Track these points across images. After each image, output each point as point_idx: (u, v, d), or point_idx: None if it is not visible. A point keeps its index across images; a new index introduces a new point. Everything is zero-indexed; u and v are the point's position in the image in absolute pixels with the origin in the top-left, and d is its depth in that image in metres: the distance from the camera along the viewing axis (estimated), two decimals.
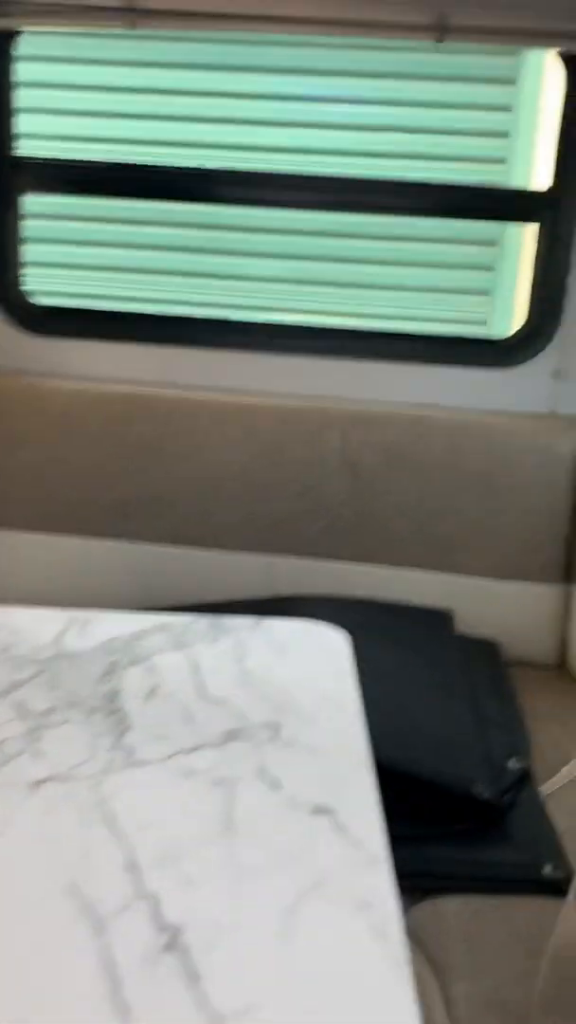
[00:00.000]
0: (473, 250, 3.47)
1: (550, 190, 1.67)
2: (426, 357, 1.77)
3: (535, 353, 1.74)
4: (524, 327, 1.76)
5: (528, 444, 1.64)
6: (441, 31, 1.55)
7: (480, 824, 1.16)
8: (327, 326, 1.84)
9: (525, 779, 1.27)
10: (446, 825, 1.15)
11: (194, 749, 0.77)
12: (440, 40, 1.56)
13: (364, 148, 3.37)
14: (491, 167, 3.46)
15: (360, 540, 1.66)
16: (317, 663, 0.97)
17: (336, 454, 1.66)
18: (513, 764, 1.29)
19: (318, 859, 0.64)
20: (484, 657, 1.59)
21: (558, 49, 1.59)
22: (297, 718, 0.84)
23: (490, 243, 3.45)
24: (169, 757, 0.76)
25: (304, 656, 0.99)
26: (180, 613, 1.58)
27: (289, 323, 1.85)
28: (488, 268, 3.51)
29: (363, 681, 1.31)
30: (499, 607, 1.65)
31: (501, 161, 3.41)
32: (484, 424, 1.65)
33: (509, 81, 3.34)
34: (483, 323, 3.51)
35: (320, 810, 0.70)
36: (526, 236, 1.90)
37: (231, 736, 0.80)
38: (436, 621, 1.62)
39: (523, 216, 1.75)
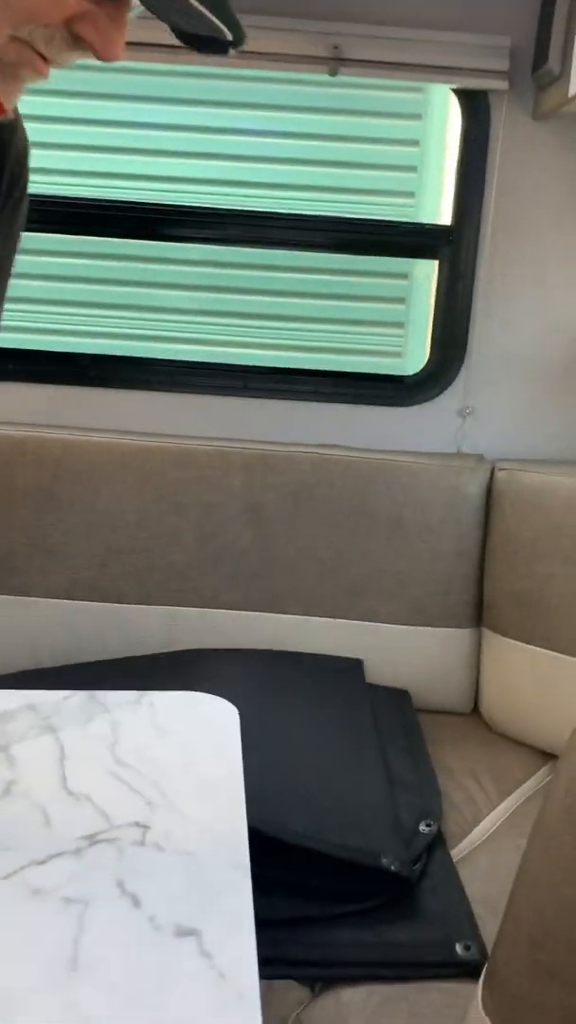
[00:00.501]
0: (386, 283, 3.47)
1: (449, 226, 1.65)
2: (330, 395, 1.71)
3: (440, 391, 1.70)
4: (428, 365, 1.72)
5: (435, 485, 1.59)
6: (335, 63, 1.52)
7: (388, 899, 1.08)
8: (227, 363, 1.78)
9: (436, 843, 1.21)
10: (351, 902, 1.07)
11: (46, 860, 0.67)
12: (334, 73, 1.52)
13: (274, 181, 3.34)
14: (402, 200, 3.48)
15: (265, 588, 1.59)
16: (200, 743, 0.89)
17: (238, 498, 1.58)
18: (424, 828, 1.22)
19: (176, 1001, 0.56)
20: (395, 708, 1.53)
21: (453, 85, 1.57)
22: (170, 813, 0.75)
23: (402, 276, 3.46)
24: (15, 872, 0.66)
25: (186, 735, 0.90)
26: (70, 674, 1.51)
27: (187, 359, 1.77)
28: (401, 301, 3.52)
29: (264, 742, 1.23)
30: (410, 654, 1.59)
31: (411, 195, 3.44)
32: (390, 464, 1.60)
33: (416, 116, 3.38)
34: (399, 355, 3.51)
35: (184, 932, 0.62)
36: (434, 270, 1.90)
37: (92, 840, 0.71)
38: (345, 671, 1.56)
39: (424, 253, 1.72)
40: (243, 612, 1.57)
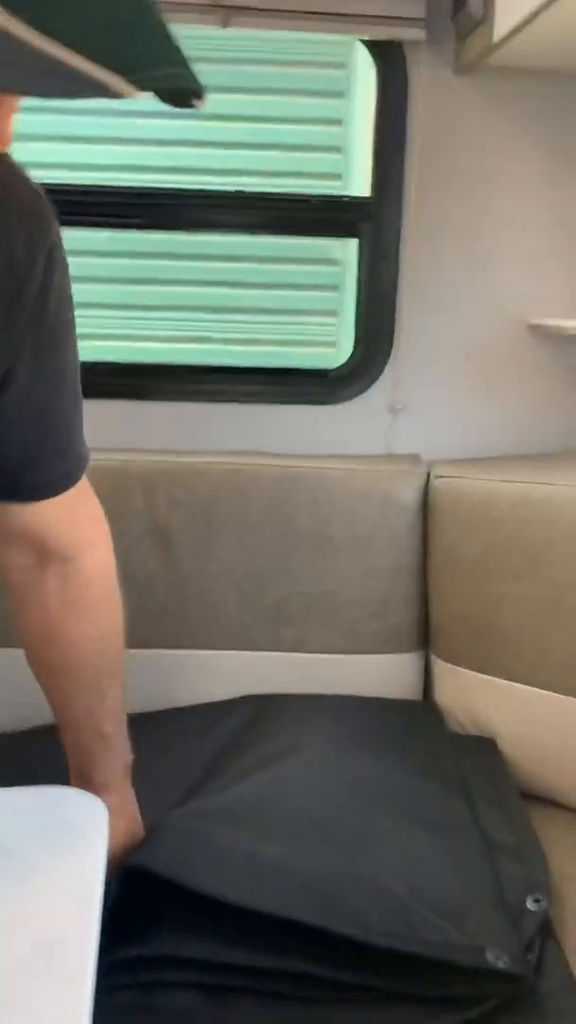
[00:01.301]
0: (315, 269, 3.29)
1: (368, 198, 1.45)
2: (244, 395, 1.51)
3: (367, 386, 1.51)
4: (353, 357, 1.53)
5: (365, 492, 1.40)
6: (225, 12, 1.31)
7: (497, 1003, 0.87)
8: (123, 361, 1.56)
9: (548, 926, 0.99)
10: (447, 1011, 0.86)
11: None
12: (225, 24, 1.32)
13: (196, 165, 3.13)
14: (330, 182, 3.30)
15: (175, 622, 1.38)
16: (52, 859, 0.68)
17: (140, 519, 1.37)
18: (532, 904, 0.99)
19: None
20: (478, 753, 1.31)
21: (361, 36, 1.38)
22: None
23: (333, 262, 3.27)
24: None
25: (38, 846, 0.69)
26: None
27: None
28: (334, 288, 3.33)
29: (327, 811, 1.05)
30: (345, 687, 1.40)
31: (338, 176, 3.26)
32: (314, 471, 1.41)
33: (339, 94, 3.19)
34: (332, 345, 3.33)
35: None
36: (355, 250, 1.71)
37: None
38: (420, 714, 1.39)
39: (342, 230, 1.53)
40: (151, 651, 1.37)
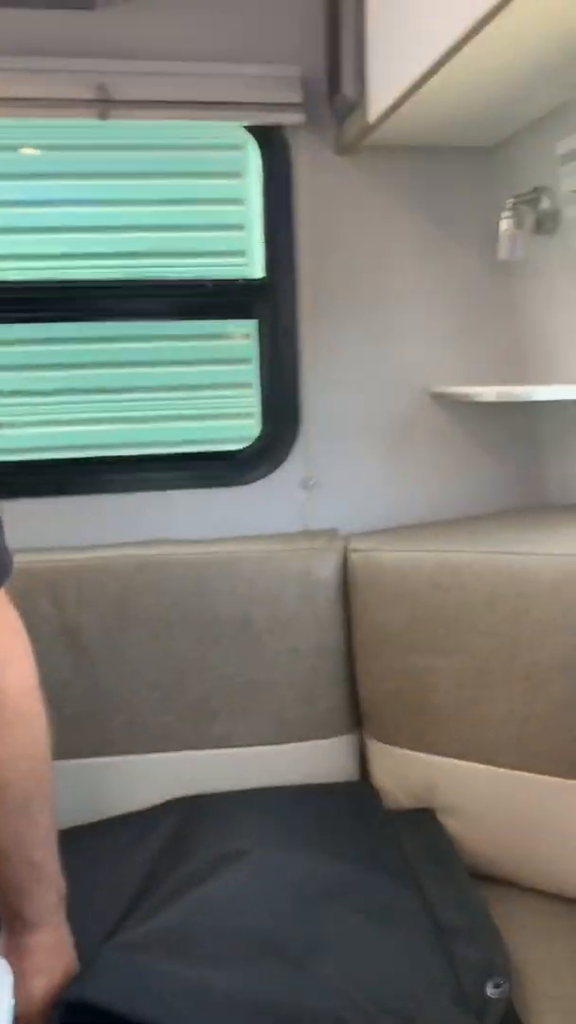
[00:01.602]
0: (228, 344, 3.30)
1: (262, 280, 1.46)
2: (150, 483, 1.47)
3: (278, 463, 1.49)
4: (262, 436, 1.51)
5: (283, 572, 1.36)
6: (103, 105, 1.31)
7: None
8: (21, 460, 1.51)
9: (512, 1012, 0.93)
10: None
11: None
12: (104, 117, 1.32)
13: (95, 251, 3.14)
14: (234, 260, 3.35)
15: (97, 727, 1.31)
16: None
17: (50, 622, 1.31)
18: (493, 991, 0.93)
19: None
20: (419, 830, 1.26)
21: (243, 123, 1.39)
22: None
23: (244, 335, 3.30)
24: None
25: None
26: None
27: None
28: (247, 361, 3.35)
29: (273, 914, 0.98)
30: (277, 778, 1.33)
31: (241, 254, 3.31)
32: (229, 555, 1.36)
33: (236, 174, 3.27)
34: (251, 416, 3.33)
35: None
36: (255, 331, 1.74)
37: None
38: (356, 796, 1.33)
39: (239, 312, 1.52)
40: (70, 761, 1.28)
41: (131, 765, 1.31)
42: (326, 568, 1.36)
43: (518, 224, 1.28)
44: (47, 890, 0.90)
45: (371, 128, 1.27)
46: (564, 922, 1.15)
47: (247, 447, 1.52)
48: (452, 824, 1.28)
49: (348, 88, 1.28)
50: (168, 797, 1.31)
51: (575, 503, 1.49)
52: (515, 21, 0.90)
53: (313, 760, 1.36)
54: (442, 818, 1.29)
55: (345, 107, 1.32)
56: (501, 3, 0.87)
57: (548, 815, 1.19)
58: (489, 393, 1.31)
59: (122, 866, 1.19)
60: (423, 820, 1.29)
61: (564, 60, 1.04)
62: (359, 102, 1.27)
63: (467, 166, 1.43)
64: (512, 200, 1.27)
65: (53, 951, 0.89)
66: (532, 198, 1.30)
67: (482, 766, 1.24)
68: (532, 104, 1.21)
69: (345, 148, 1.38)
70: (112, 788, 1.31)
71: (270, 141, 1.42)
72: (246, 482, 1.50)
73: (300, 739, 1.35)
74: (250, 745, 1.33)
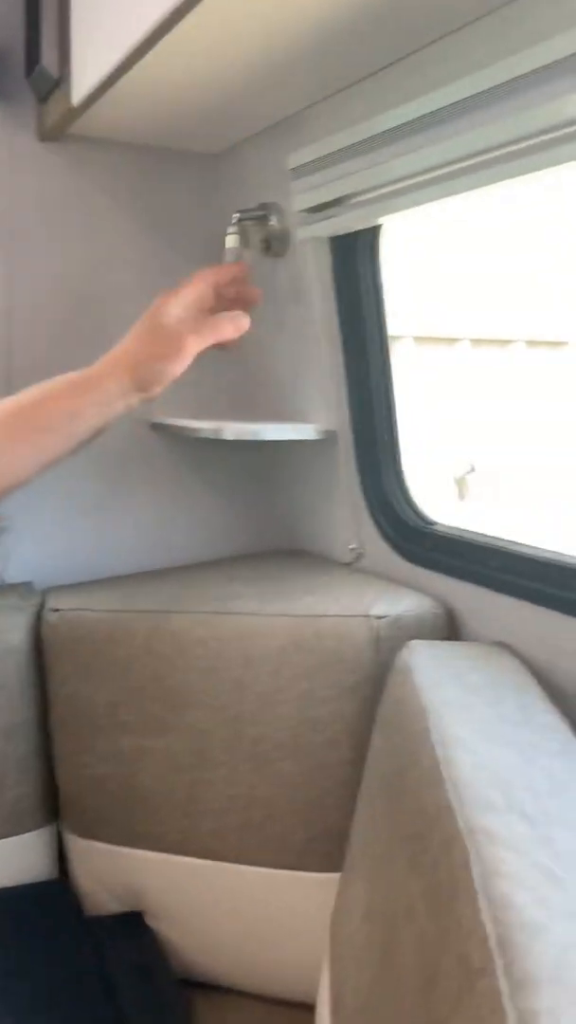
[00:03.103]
0: None
1: None
2: None
3: None
4: None
5: None
6: None
7: None
8: None
9: None
10: None
11: None
12: None
13: None
14: None
15: None
16: None
17: None
18: None
19: None
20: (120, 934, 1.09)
21: None
22: None
23: None
24: None
25: None
26: None
27: None
28: None
29: None
30: None
31: None
32: None
33: None
34: None
35: None
36: None
37: None
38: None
39: None
40: None
41: None
42: (15, 631, 1.13)
43: (245, 243, 1.14)
44: None
45: (77, 112, 1.07)
46: None
47: None
48: (163, 928, 1.11)
49: (49, 60, 1.08)
50: None
51: (304, 548, 1.38)
52: (220, 19, 0.77)
53: (2, 859, 1.12)
54: (152, 921, 1.12)
55: (46, 84, 1.11)
56: None
57: (273, 912, 1.05)
58: (213, 429, 1.16)
59: None
60: (130, 925, 1.12)
61: (282, 67, 0.92)
62: (62, 80, 1.08)
63: (193, 172, 1.29)
64: (238, 215, 1.13)
65: None
66: (260, 215, 1.18)
67: (200, 861, 1.07)
68: (259, 111, 1.09)
69: (49, 134, 1.17)
70: None
71: None
72: None
73: None
74: None
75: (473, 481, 5.62)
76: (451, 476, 5.54)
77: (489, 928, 0.51)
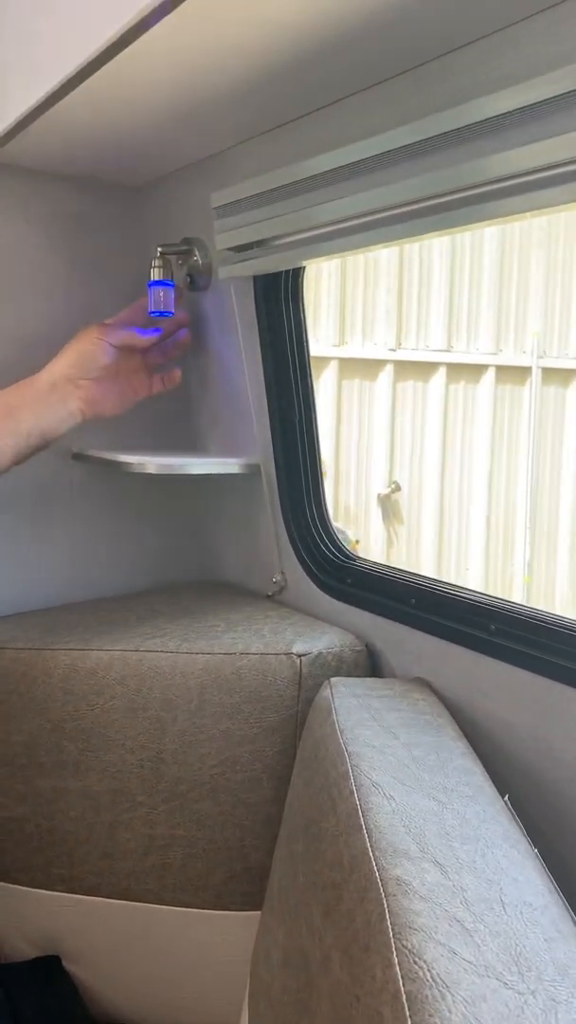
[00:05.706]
0: None
1: None
2: None
3: None
4: None
5: None
6: None
7: None
8: None
9: None
10: None
11: None
12: None
13: None
14: None
15: None
16: None
17: None
18: None
19: None
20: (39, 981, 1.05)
21: None
22: None
23: None
24: None
25: None
26: None
27: None
28: None
29: None
30: None
31: None
32: None
33: None
34: None
35: None
36: None
37: None
38: None
39: None
40: None
41: None
42: None
43: (169, 277, 1.14)
44: None
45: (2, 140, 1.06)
46: None
47: None
48: (81, 972, 1.09)
49: None
50: None
51: (228, 580, 1.38)
52: (144, 57, 0.78)
53: None
54: (69, 966, 1.09)
55: None
56: (128, 35, 0.74)
57: (193, 951, 1.04)
58: (138, 463, 1.15)
59: None
60: (46, 970, 1.09)
61: (208, 105, 0.93)
62: None
63: (117, 207, 1.28)
64: (160, 249, 1.13)
65: None
66: (184, 249, 1.18)
67: (117, 902, 1.06)
68: (185, 147, 1.09)
69: None
70: None
71: None
72: None
73: None
74: None
75: (399, 499, 5.72)
76: (375, 493, 5.63)
77: (401, 984, 0.52)
